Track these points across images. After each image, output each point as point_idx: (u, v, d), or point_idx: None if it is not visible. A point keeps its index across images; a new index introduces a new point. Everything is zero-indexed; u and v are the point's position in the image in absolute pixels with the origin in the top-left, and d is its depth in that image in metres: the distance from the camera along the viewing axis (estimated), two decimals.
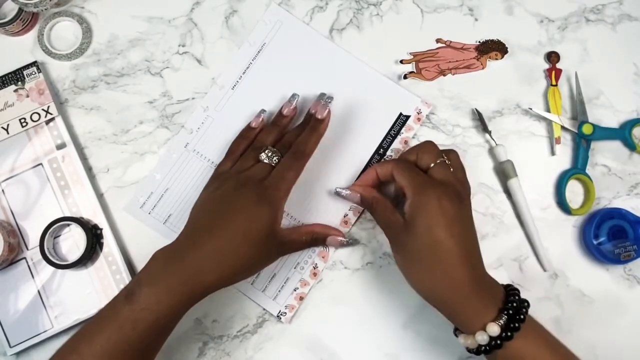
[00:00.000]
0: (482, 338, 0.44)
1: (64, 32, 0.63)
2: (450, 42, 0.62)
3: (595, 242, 0.58)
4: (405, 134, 0.60)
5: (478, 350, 0.45)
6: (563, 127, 0.60)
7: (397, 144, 0.60)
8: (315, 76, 0.61)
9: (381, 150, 0.60)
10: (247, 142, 0.57)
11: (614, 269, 0.59)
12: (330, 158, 0.59)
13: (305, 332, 0.58)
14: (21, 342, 0.56)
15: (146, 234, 0.59)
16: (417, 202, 0.47)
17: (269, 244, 0.51)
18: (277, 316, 0.58)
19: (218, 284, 0.49)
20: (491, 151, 0.60)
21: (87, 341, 0.45)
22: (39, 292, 0.57)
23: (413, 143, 0.60)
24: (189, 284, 0.47)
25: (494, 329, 0.44)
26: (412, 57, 0.62)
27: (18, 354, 0.57)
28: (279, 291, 0.58)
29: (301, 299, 0.58)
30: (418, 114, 0.60)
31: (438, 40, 0.62)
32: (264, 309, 0.58)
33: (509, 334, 0.44)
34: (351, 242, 0.58)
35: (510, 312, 0.44)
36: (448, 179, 0.49)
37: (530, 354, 0.45)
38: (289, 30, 0.62)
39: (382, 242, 0.59)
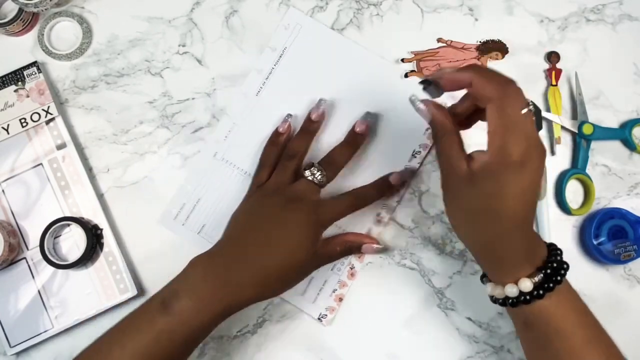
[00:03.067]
0: (511, 291, 0.44)
1: (64, 32, 0.63)
2: (451, 41, 0.62)
3: (595, 242, 0.58)
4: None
5: (504, 302, 0.45)
6: (563, 127, 0.60)
7: (424, 140, 0.60)
8: (340, 78, 0.61)
9: (415, 153, 0.60)
10: (277, 150, 0.57)
11: (614, 269, 0.59)
12: (365, 160, 0.59)
13: (305, 332, 0.58)
14: (21, 342, 0.56)
15: (146, 234, 0.59)
16: (497, 163, 0.41)
17: (308, 263, 0.52)
18: (318, 319, 0.58)
19: (255, 298, 0.49)
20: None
21: (120, 347, 0.45)
22: (39, 292, 0.57)
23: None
24: (228, 298, 0.47)
25: (526, 284, 0.43)
26: (413, 56, 0.62)
27: (18, 354, 0.57)
28: (318, 294, 0.58)
29: (340, 300, 0.58)
30: None
31: (439, 40, 0.62)
32: (307, 313, 0.58)
33: (540, 292, 0.43)
34: (386, 248, 0.58)
35: (548, 271, 0.44)
36: (533, 135, 0.42)
37: (557, 314, 0.44)
38: (309, 33, 0.62)
39: (382, 242, 0.59)
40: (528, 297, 0.43)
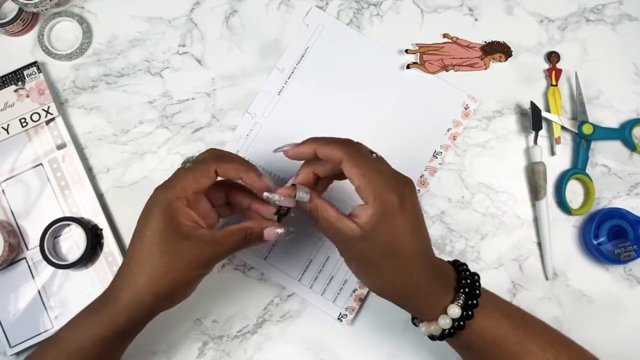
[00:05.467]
0: (445, 322, 0.44)
1: (64, 32, 0.63)
2: (457, 38, 0.62)
3: (595, 242, 0.58)
4: (454, 129, 0.60)
5: (442, 335, 0.45)
6: (563, 127, 0.60)
7: (445, 140, 0.60)
8: (360, 78, 0.61)
9: (436, 153, 0.60)
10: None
11: (614, 269, 0.59)
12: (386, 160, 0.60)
13: (305, 332, 0.58)
14: (21, 342, 0.56)
15: None
16: (380, 212, 0.42)
17: (173, 244, 0.45)
18: (338, 319, 0.57)
19: (142, 301, 0.45)
20: (526, 150, 0.60)
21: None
22: (39, 292, 0.57)
23: (462, 139, 0.61)
24: (107, 315, 0.45)
25: (455, 310, 0.43)
26: (417, 48, 0.62)
27: (18, 354, 0.57)
28: (338, 294, 0.58)
29: (361, 300, 0.58)
30: (465, 109, 0.60)
31: (445, 35, 0.62)
32: (326, 313, 0.58)
33: (469, 312, 0.44)
34: (290, 231, 0.48)
35: (466, 289, 0.44)
36: (394, 173, 0.45)
37: (490, 327, 0.45)
38: (331, 32, 0.62)
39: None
40: (461, 323, 0.44)
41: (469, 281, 0.45)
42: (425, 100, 0.61)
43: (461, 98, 0.61)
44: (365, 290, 0.58)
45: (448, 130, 0.60)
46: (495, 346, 0.44)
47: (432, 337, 0.46)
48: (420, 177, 0.60)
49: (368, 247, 0.43)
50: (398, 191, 0.43)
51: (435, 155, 0.60)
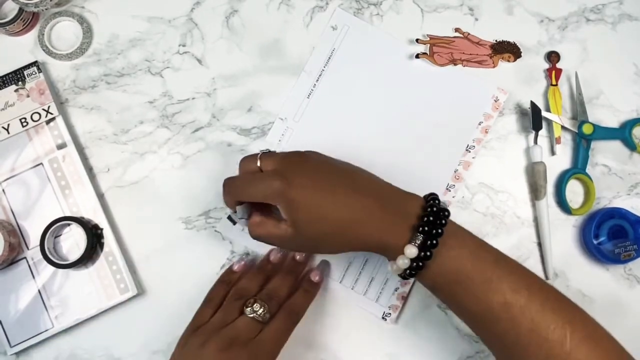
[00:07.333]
0: (403, 262, 0.44)
1: (65, 32, 0.63)
2: (468, 34, 0.62)
3: (595, 242, 0.58)
4: (485, 122, 0.60)
5: (404, 275, 0.45)
6: (563, 127, 0.61)
7: (477, 134, 0.60)
8: (389, 77, 0.61)
9: (469, 147, 0.60)
10: (227, 288, 0.55)
11: (614, 268, 0.59)
12: (417, 159, 0.60)
13: (305, 332, 0.58)
14: (21, 342, 0.56)
15: (146, 233, 0.59)
16: (287, 204, 0.46)
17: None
18: (383, 317, 0.57)
19: None
20: (526, 150, 0.60)
21: None
22: (39, 291, 0.57)
23: (493, 131, 0.61)
24: None
25: (411, 250, 0.43)
26: (428, 38, 0.62)
27: (18, 353, 0.57)
28: (380, 293, 0.58)
29: (403, 298, 0.58)
30: (495, 101, 0.60)
31: (456, 30, 0.62)
32: (370, 312, 0.58)
33: (427, 253, 0.43)
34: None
35: (426, 228, 0.43)
36: (278, 159, 0.49)
37: (454, 267, 0.44)
38: (357, 33, 0.62)
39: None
40: (420, 263, 0.43)
41: (431, 218, 0.44)
42: (455, 95, 0.61)
43: (490, 90, 0.61)
44: (407, 288, 0.58)
45: (480, 124, 0.60)
46: (459, 286, 0.44)
47: (401, 276, 0.46)
48: (455, 172, 0.60)
49: (289, 205, 0.46)
50: (280, 174, 0.47)
51: (468, 149, 0.60)
